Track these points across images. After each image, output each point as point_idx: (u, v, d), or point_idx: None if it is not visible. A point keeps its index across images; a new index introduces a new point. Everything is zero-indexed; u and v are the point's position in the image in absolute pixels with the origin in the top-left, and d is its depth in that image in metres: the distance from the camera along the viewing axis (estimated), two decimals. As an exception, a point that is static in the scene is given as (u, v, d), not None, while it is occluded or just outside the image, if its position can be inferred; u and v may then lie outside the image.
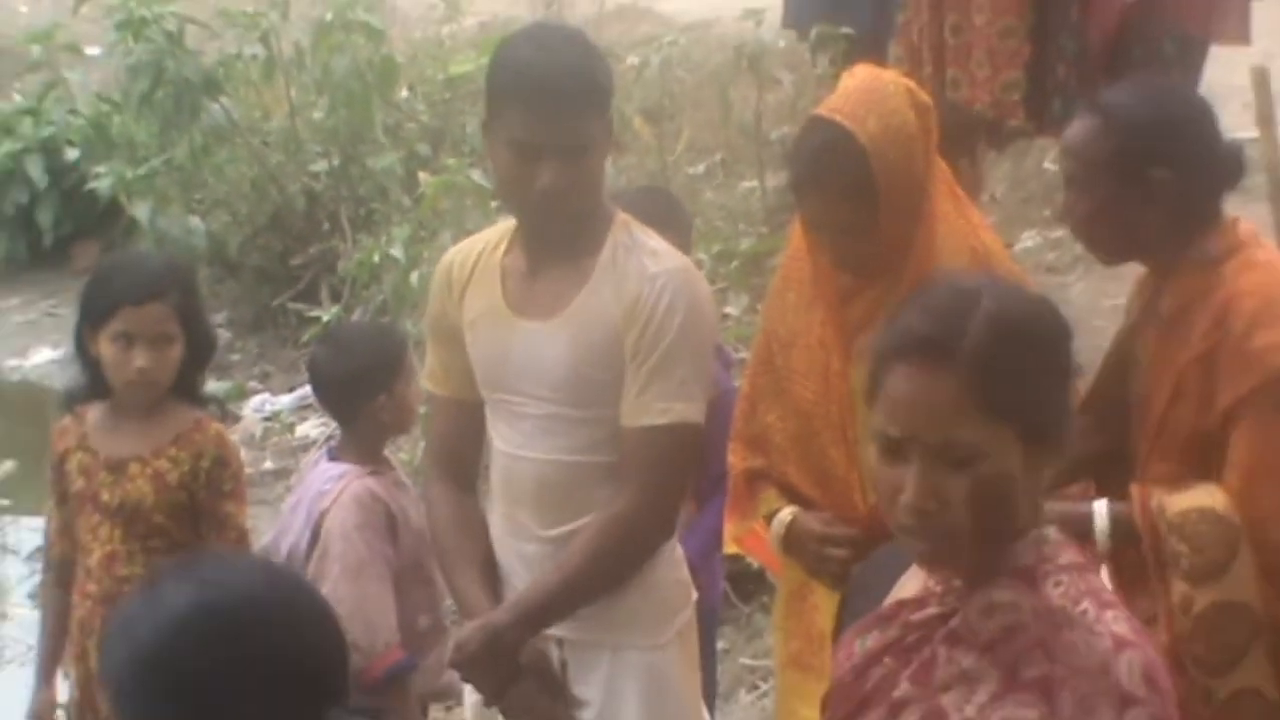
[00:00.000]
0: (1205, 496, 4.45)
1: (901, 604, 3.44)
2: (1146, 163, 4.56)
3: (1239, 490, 4.41)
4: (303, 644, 2.80)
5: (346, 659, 2.89)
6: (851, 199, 4.83)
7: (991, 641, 3.28)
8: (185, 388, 6.07)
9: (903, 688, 3.33)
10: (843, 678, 3.47)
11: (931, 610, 3.36)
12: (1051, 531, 3.38)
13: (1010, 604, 3.28)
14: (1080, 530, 4.21)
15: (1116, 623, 3.24)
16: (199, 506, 6.06)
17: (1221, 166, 4.66)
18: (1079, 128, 4.71)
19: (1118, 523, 4.40)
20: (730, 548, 5.61)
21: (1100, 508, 4.43)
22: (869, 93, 4.98)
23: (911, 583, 3.51)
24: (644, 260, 5.01)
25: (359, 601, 6.19)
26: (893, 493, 3.26)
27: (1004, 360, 3.27)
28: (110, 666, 2.78)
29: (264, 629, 2.76)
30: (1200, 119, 4.73)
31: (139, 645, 2.73)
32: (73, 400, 6.23)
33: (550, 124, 4.85)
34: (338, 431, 6.99)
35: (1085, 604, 3.27)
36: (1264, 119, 7.99)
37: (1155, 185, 4.54)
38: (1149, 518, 4.40)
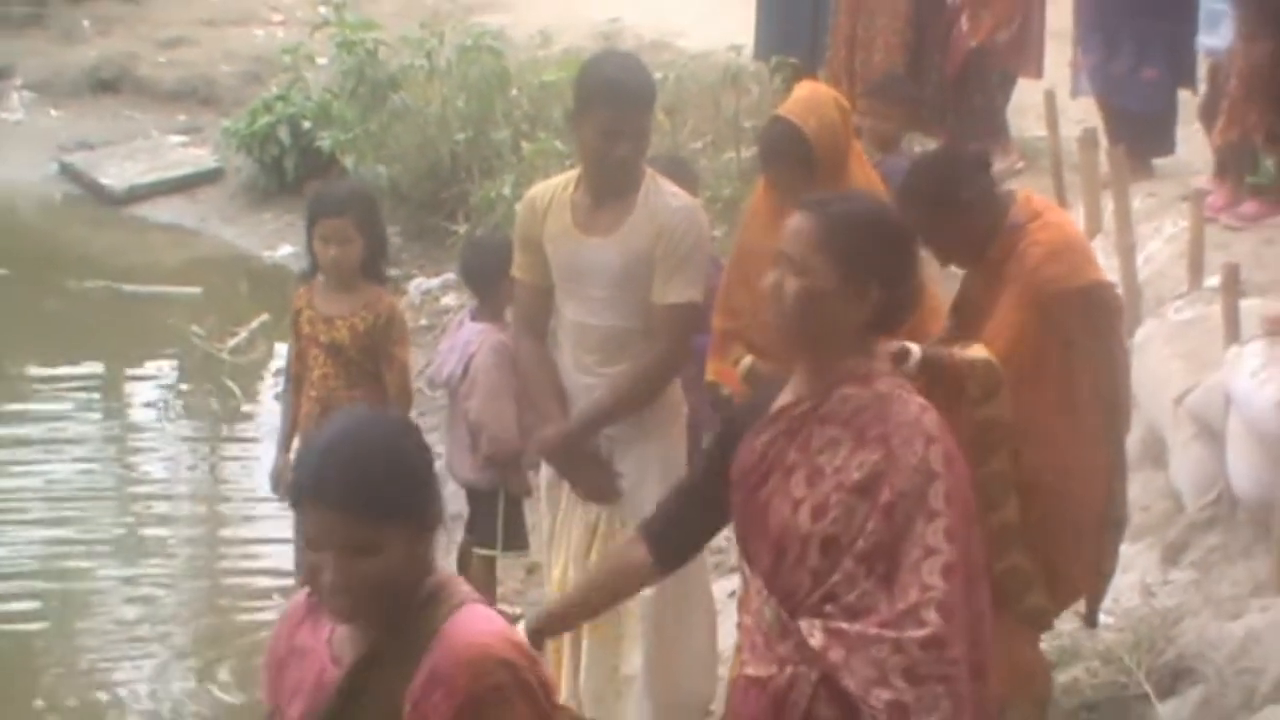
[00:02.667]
0: (983, 352, 4.83)
1: (783, 408, 3.87)
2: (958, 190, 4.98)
3: (1002, 352, 4.83)
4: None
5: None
6: (798, 167, 5.50)
7: (847, 417, 3.76)
8: (371, 271, 6.92)
9: (791, 456, 3.79)
10: (749, 461, 3.87)
11: (805, 406, 3.81)
12: (879, 360, 3.95)
13: (856, 394, 3.78)
14: (900, 361, 4.42)
15: (924, 410, 3.79)
16: (378, 347, 6.86)
17: (980, 187, 5.05)
18: (904, 194, 5.08)
19: (926, 360, 4.61)
20: (710, 378, 6.00)
21: (914, 348, 4.57)
22: (810, 100, 5.69)
23: (782, 399, 3.90)
24: (667, 199, 5.58)
25: (495, 413, 7.08)
26: (764, 292, 3.84)
27: (853, 228, 3.82)
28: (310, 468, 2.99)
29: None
30: (960, 179, 5.03)
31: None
32: (304, 277, 7.24)
33: (629, 118, 5.47)
34: (469, 302, 7.81)
35: (901, 392, 3.82)
36: (1050, 125, 9.28)
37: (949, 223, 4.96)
38: (954, 360, 4.80)
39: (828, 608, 3.69)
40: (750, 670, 3.83)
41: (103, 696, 7.35)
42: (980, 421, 4.73)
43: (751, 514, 3.84)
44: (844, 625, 3.66)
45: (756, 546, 3.83)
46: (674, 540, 4.04)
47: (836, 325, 3.78)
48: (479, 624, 3.04)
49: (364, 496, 2.94)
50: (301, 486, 3.02)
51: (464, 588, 3.12)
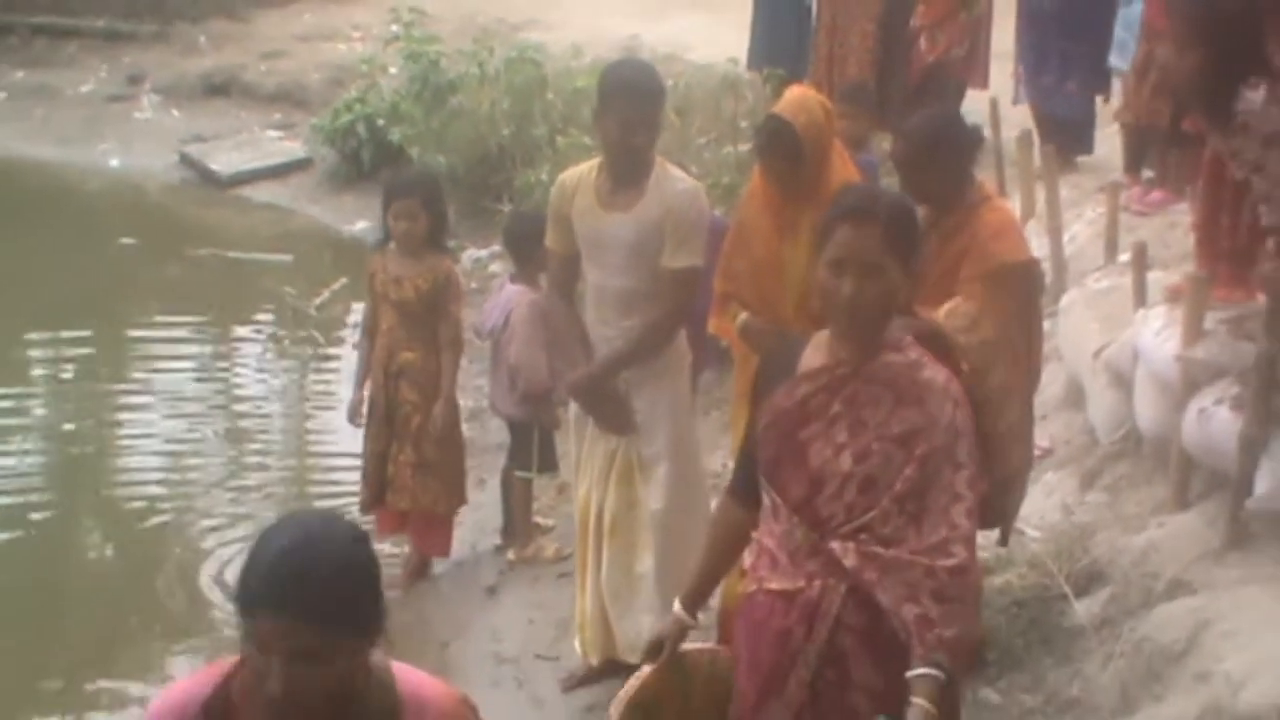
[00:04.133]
0: (951, 303, 4.80)
1: (824, 367, 3.75)
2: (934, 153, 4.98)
3: (974, 312, 4.75)
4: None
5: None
6: (789, 159, 5.38)
7: (889, 380, 3.69)
8: (434, 242, 7.02)
9: (835, 408, 3.71)
10: (787, 406, 3.76)
11: (847, 369, 3.72)
12: (902, 327, 3.82)
13: (896, 360, 3.71)
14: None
15: (950, 378, 3.73)
16: (437, 304, 6.95)
17: (970, 149, 5.12)
18: (914, 130, 5.09)
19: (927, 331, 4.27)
20: (711, 331, 5.92)
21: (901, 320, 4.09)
22: (799, 101, 5.54)
23: (814, 358, 3.79)
24: (674, 182, 5.57)
25: (529, 358, 7.07)
26: (836, 296, 3.65)
27: (900, 222, 3.71)
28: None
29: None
30: (961, 134, 5.10)
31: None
32: (378, 245, 7.32)
33: (643, 111, 5.46)
34: (510, 269, 7.76)
35: (928, 360, 3.74)
36: (994, 127, 9.19)
37: (940, 165, 4.94)
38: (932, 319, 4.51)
39: (862, 536, 3.64)
40: (774, 584, 3.77)
41: (211, 580, 7.43)
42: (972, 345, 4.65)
43: (787, 451, 3.75)
44: (879, 550, 3.62)
45: (789, 478, 3.75)
46: (751, 489, 3.94)
47: (894, 307, 3.73)
48: (431, 684, 2.89)
49: (318, 607, 2.60)
50: (253, 593, 2.64)
51: (383, 660, 2.82)
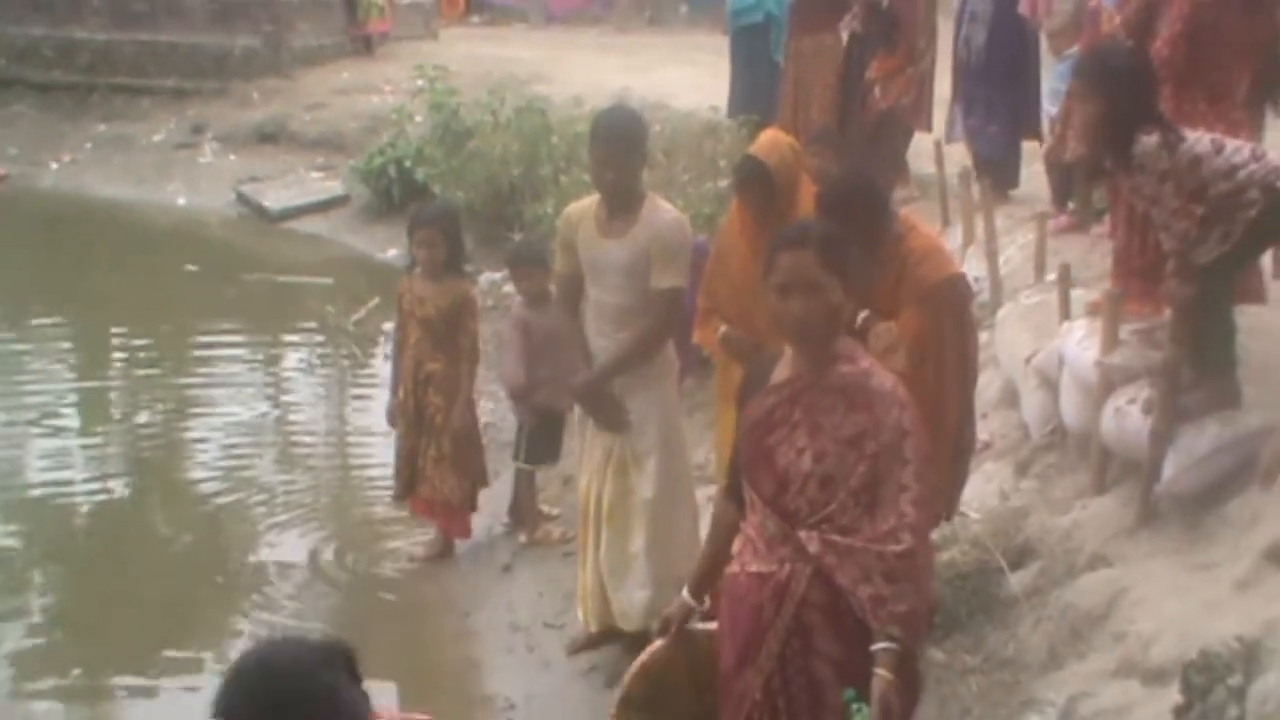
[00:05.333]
0: (886, 324, 4.85)
1: (786, 380, 3.76)
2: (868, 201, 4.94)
3: (914, 331, 4.83)
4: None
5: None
6: (762, 192, 5.38)
7: (841, 388, 3.68)
8: (452, 266, 6.99)
9: (796, 415, 3.72)
10: (757, 415, 3.79)
11: (806, 380, 3.73)
12: (852, 340, 3.88)
13: (848, 371, 3.70)
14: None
15: (896, 383, 3.72)
16: (457, 321, 6.93)
17: (878, 197, 5.07)
18: (828, 195, 5.00)
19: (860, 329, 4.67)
20: (695, 340, 5.92)
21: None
22: (771, 143, 5.54)
23: (782, 372, 3.80)
24: (662, 214, 5.57)
25: (505, 364, 7.26)
26: (786, 316, 3.67)
27: (831, 245, 3.69)
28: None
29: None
30: (868, 189, 5.03)
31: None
32: (407, 270, 7.27)
33: (611, 153, 5.49)
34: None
35: (878, 368, 3.77)
36: (938, 164, 9.28)
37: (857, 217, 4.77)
38: (870, 328, 4.79)
39: (824, 526, 3.64)
40: (753, 568, 3.78)
41: (264, 556, 7.44)
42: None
43: (759, 455, 3.76)
44: (837, 538, 3.61)
45: (760, 477, 3.76)
46: (739, 489, 3.92)
47: (840, 322, 3.73)
48: None
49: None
50: (215, 704, 2.44)
51: None
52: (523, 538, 7.24)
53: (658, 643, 4.10)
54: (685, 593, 4.11)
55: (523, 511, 7.34)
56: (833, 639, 3.67)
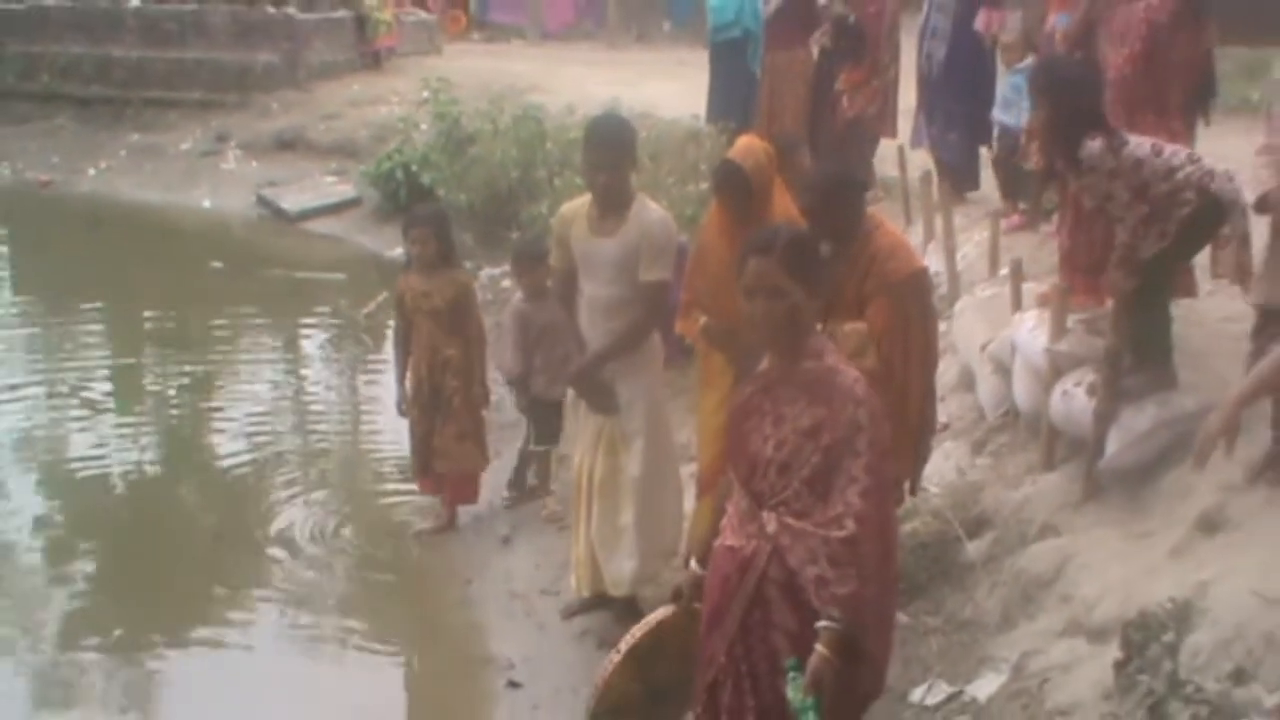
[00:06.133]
0: (856, 325, 4.74)
1: (761, 373, 3.79)
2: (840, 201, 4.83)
3: (881, 326, 4.73)
4: None
5: None
6: (740, 193, 5.27)
7: (805, 383, 3.66)
8: (446, 260, 6.89)
9: (766, 405, 3.72)
10: (737, 403, 3.82)
11: (776, 374, 3.73)
12: (820, 337, 3.81)
13: (813, 367, 3.68)
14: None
15: (857, 380, 3.66)
16: (462, 312, 6.91)
17: (858, 193, 4.99)
18: (813, 185, 4.90)
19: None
20: (678, 330, 5.78)
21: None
22: (748, 148, 5.41)
23: (762, 365, 3.81)
24: (650, 212, 5.51)
25: (499, 352, 7.25)
26: (752, 317, 3.68)
27: (796, 251, 3.66)
28: None
29: None
30: (850, 184, 4.98)
31: None
32: (407, 266, 7.16)
33: (601, 157, 5.43)
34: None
35: (842, 366, 3.70)
36: (901, 168, 9.31)
37: (836, 210, 4.78)
38: (841, 330, 4.68)
39: (781, 509, 3.63)
40: (728, 541, 3.79)
41: (282, 526, 7.37)
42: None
43: (737, 440, 3.77)
44: (791, 521, 3.60)
45: (737, 461, 3.77)
46: None
47: (807, 323, 3.70)
48: None
49: None
50: None
51: None
52: (544, 511, 7.21)
53: (670, 608, 4.12)
54: (693, 563, 4.13)
55: (521, 485, 7.36)
56: (789, 612, 3.65)
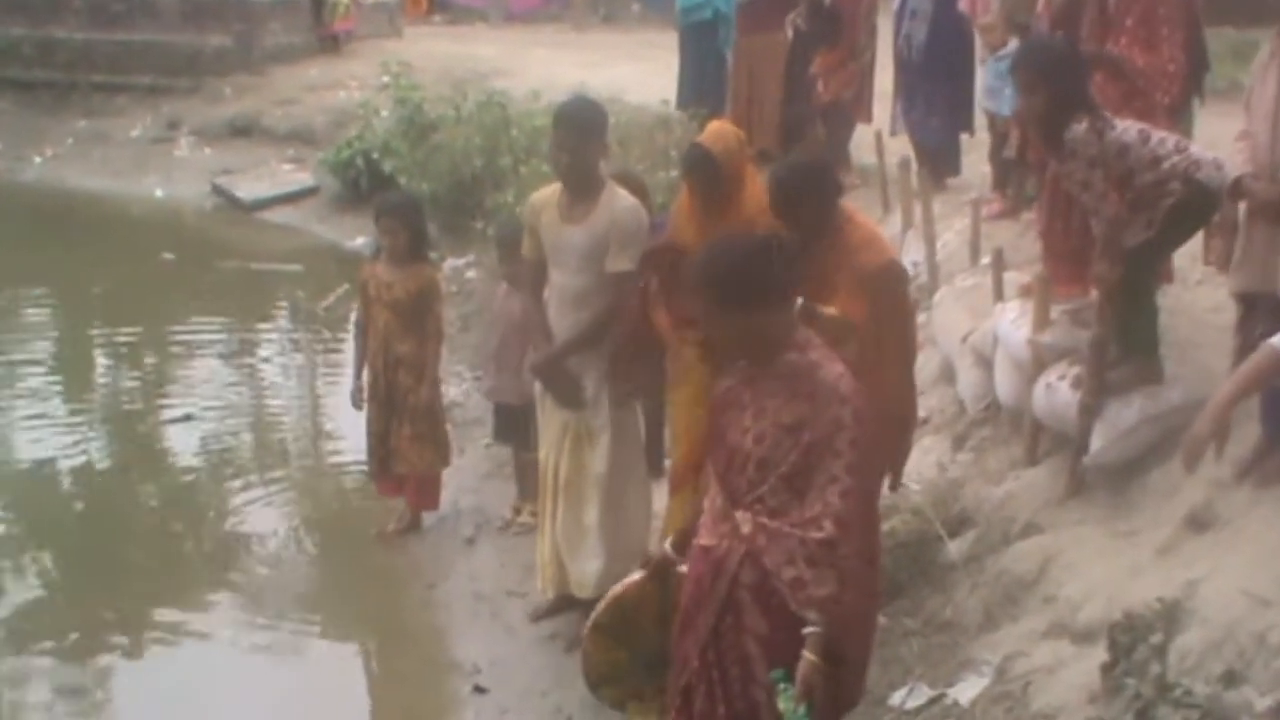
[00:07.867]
0: (830, 310, 4.55)
1: (742, 365, 3.79)
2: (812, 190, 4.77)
3: (857, 315, 4.60)
4: None
5: None
6: (709, 180, 5.28)
7: (787, 376, 3.67)
8: (416, 253, 6.91)
9: (745, 398, 3.74)
10: (717, 395, 3.86)
11: (755, 367, 3.74)
12: (807, 330, 3.81)
13: (796, 359, 3.69)
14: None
15: (841, 376, 3.66)
16: (422, 305, 6.86)
17: (829, 185, 4.87)
18: (783, 179, 4.84)
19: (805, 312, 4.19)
20: (654, 320, 5.53)
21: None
22: (718, 133, 5.44)
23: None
24: (619, 200, 5.50)
25: (493, 343, 7.09)
26: (710, 342, 3.95)
27: (730, 284, 3.66)
28: None
29: None
30: (821, 175, 4.89)
31: None
32: (371, 256, 7.38)
33: (567, 139, 5.46)
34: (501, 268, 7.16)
35: (826, 360, 3.70)
36: (878, 154, 9.29)
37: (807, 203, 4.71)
38: (823, 315, 4.46)
39: (757, 506, 3.64)
40: (702, 540, 3.80)
41: (240, 527, 7.39)
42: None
43: (715, 431, 3.79)
44: (767, 521, 3.61)
45: (716, 454, 3.78)
46: None
47: (773, 333, 3.70)
48: None
49: None
50: None
51: None
52: (511, 519, 7.13)
53: (634, 576, 4.18)
54: (667, 545, 4.17)
55: (532, 495, 7.10)
56: (760, 617, 3.67)
